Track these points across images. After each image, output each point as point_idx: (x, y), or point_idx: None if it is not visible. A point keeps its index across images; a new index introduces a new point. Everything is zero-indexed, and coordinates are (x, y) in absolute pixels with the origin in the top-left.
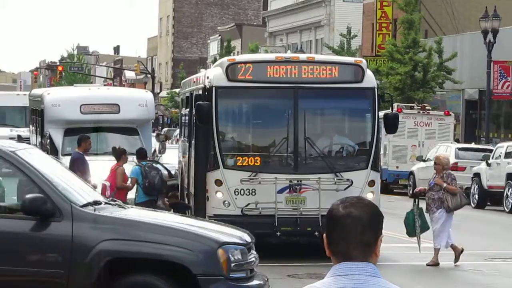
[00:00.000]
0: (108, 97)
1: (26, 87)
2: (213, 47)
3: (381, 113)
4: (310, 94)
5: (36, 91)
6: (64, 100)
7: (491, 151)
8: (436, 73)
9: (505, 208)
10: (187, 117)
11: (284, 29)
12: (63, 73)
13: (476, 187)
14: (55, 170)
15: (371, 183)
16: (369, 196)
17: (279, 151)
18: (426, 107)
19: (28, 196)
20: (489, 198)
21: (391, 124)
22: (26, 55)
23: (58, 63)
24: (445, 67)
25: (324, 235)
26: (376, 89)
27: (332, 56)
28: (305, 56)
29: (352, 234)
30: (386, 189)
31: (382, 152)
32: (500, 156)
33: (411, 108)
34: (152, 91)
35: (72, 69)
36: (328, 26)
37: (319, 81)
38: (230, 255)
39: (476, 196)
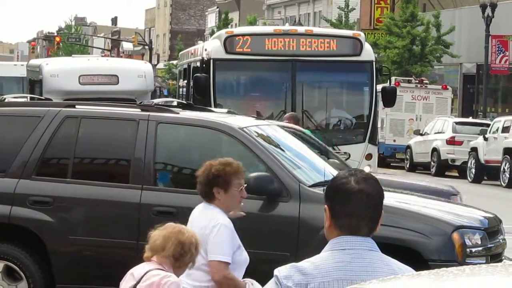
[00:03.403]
0: (107, 68)
1: (23, 58)
2: (211, 19)
3: (379, 87)
4: (308, 67)
5: (34, 62)
6: (63, 70)
7: (488, 125)
8: (434, 47)
9: (502, 183)
10: (184, 89)
11: (282, 1)
12: (61, 44)
13: (473, 161)
14: (288, 147)
15: (368, 156)
16: (366, 169)
17: None
18: (424, 81)
19: (253, 174)
20: (486, 173)
21: (389, 98)
22: (24, 25)
23: (55, 34)
24: (443, 41)
25: (327, 207)
26: (374, 63)
27: (331, 29)
28: (303, 29)
29: (365, 210)
30: (383, 162)
31: (379, 125)
32: (497, 130)
33: (409, 82)
34: (150, 62)
35: (70, 40)
36: None
37: (317, 54)
38: (467, 240)
39: (473, 171)
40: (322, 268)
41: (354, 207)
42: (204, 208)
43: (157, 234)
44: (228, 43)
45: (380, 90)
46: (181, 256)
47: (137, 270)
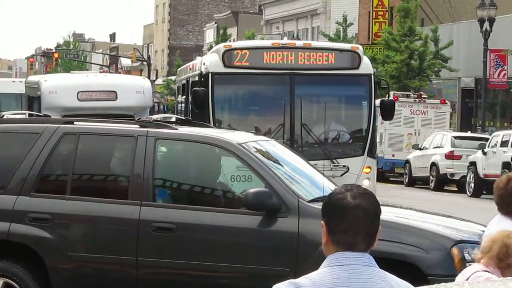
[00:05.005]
0: (105, 84)
1: (22, 74)
2: (209, 35)
3: (377, 101)
4: (306, 80)
5: (33, 78)
6: (61, 87)
7: (487, 139)
8: (432, 61)
9: None
10: (183, 105)
11: (280, 17)
12: (59, 60)
13: (472, 175)
14: (287, 163)
15: (367, 170)
16: (365, 183)
17: (275, 137)
18: (422, 96)
19: (252, 190)
20: (485, 187)
21: (388, 111)
22: (22, 42)
23: (54, 50)
24: (441, 55)
25: (324, 222)
26: (372, 76)
27: (329, 43)
28: (302, 43)
29: (361, 226)
30: (382, 177)
31: (378, 140)
32: (496, 144)
33: (407, 96)
34: (148, 78)
35: (68, 56)
36: (325, 14)
37: (315, 68)
38: (466, 254)
39: (472, 185)
40: (320, 284)
41: (350, 222)
42: (499, 220)
43: (488, 238)
44: (227, 57)
45: (379, 104)
46: (505, 258)
47: (467, 270)
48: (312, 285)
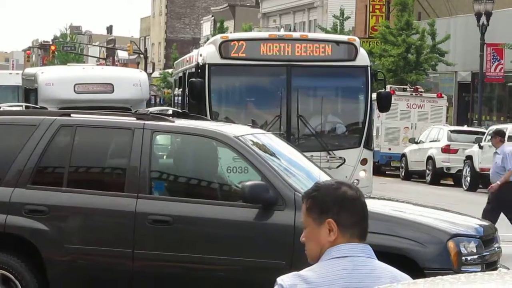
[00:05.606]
0: (102, 76)
1: (19, 66)
2: (206, 28)
3: (374, 95)
4: (303, 72)
5: (30, 70)
6: (58, 79)
7: (483, 133)
8: (429, 55)
9: None
10: (180, 97)
11: (277, 10)
12: (56, 53)
13: (468, 169)
14: (283, 156)
15: (364, 161)
16: (362, 174)
17: (271, 129)
18: (419, 89)
19: (248, 183)
20: (481, 181)
21: (384, 103)
22: (19, 34)
23: (50, 43)
24: (438, 49)
25: (333, 220)
26: (369, 68)
27: (326, 34)
28: (299, 34)
29: (365, 216)
30: (378, 171)
31: (374, 134)
32: None
33: (404, 90)
34: (145, 71)
35: (65, 48)
36: (322, 8)
37: (312, 59)
38: (462, 248)
39: (468, 179)
40: (325, 276)
41: (360, 214)
42: None
43: None
44: (223, 48)
45: (376, 97)
46: None
47: None
48: (318, 277)
